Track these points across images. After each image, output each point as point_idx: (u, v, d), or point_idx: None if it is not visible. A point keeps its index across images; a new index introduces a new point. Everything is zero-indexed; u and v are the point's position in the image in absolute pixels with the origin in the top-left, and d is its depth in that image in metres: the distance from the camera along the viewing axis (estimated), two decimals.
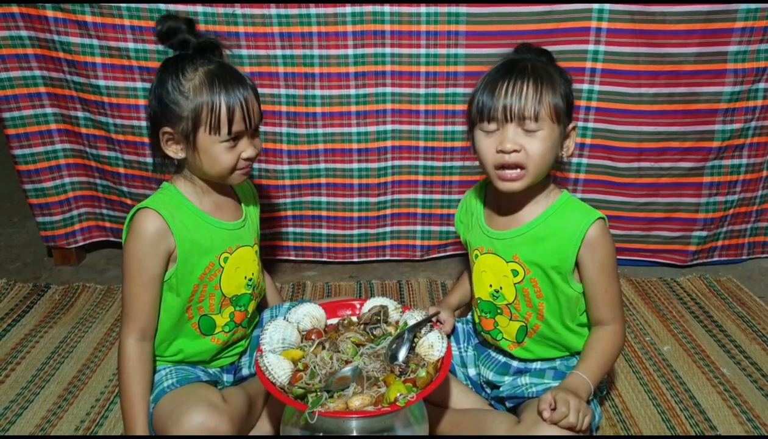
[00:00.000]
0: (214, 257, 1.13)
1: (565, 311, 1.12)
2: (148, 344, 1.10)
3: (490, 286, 1.16)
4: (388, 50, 1.58)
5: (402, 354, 1.02)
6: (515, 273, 1.12)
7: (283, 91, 1.62)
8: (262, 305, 1.35)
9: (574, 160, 1.69)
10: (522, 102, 1.04)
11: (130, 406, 1.06)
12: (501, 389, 1.18)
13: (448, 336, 1.20)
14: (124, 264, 1.09)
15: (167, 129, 1.09)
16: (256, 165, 1.71)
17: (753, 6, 1.51)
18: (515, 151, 1.04)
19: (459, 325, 1.31)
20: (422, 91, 1.63)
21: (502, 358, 1.21)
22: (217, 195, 1.17)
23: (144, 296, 1.08)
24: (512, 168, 1.06)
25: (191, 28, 1.09)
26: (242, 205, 1.24)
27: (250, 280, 1.19)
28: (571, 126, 1.10)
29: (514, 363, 1.19)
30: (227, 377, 1.23)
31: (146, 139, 1.67)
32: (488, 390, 1.24)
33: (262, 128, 1.66)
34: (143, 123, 1.65)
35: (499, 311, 1.17)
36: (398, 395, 0.92)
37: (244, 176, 1.15)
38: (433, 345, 1.04)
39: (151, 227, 1.07)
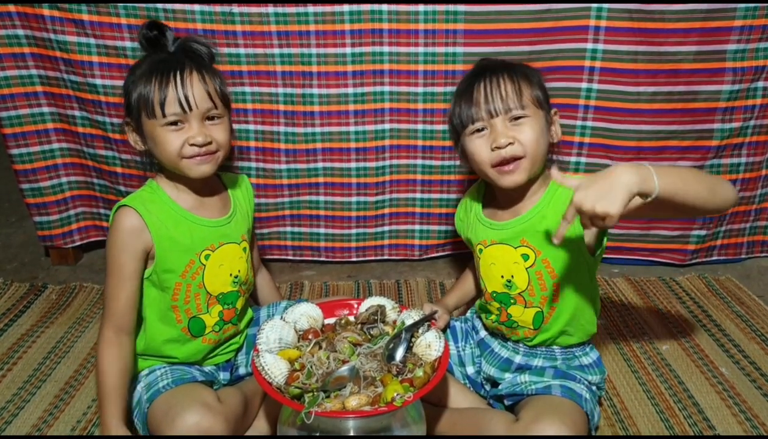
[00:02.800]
0: (194, 255, 1.13)
1: (580, 287, 1.12)
2: (126, 339, 1.09)
3: (502, 276, 1.15)
4: (386, 49, 1.58)
5: (399, 354, 1.02)
6: (525, 257, 1.12)
7: (280, 89, 1.62)
8: (256, 298, 1.35)
9: (573, 158, 1.68)
10: (503, 93, 1.06)
11: (103, 399, 1.04)
12: (500, 386, 1.17)
13: (443, 331, 1.20)
14: (106, 261, 1.10)
15: (127, 119, 1.12)
16: (253, 164, 1.71)
17: (752, 4, 1.50)
18: (510, 143, 1.06)
19: (457, 324, 1.31)
20: (420, 89, 1.62)
21: (504, 354, 1.21)
22: (201, 191, 1.16)
23: (121, 293, 1.08)
24: (510, 162, 1.07)
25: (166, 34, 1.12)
26: (232, 201, 1.22)
27: (236, 277, 1.18)
28: (552, 111, 1.13)
29: (516, 359, 1.19)
30: (223, 375, 1.22)
31: None
32: (487, 388, 1.23)
33: (259, 127, 1.66)
34: None
35: (512, 301, 1.16)
36: (395, 394, 0.92)
37: (200, 167, 1.09)
38: (430, 345, 1.04)
39: (127, 224, 1.08)
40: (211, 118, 1.10)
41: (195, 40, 1.14)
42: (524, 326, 1.17)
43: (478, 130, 1.08)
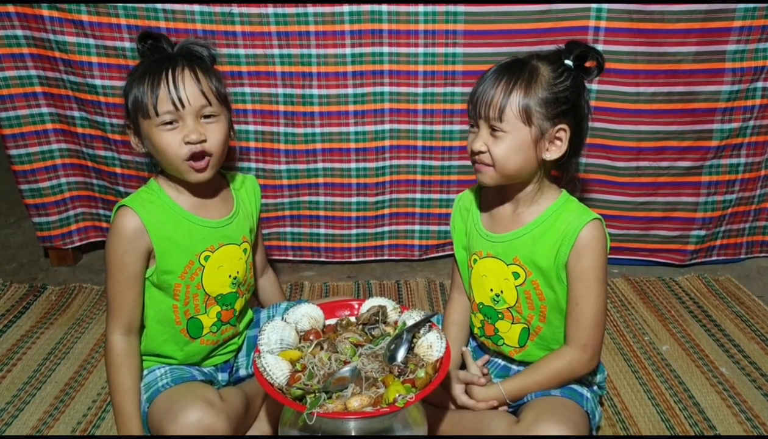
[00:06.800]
0: (194, 256, 1.12)
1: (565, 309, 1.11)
2: (134, 338, 1.11)
3: (491, 290, 1.15)
4: (386, 49, 1.58)
5: (401, 354, 1.02)
6: (516, 275, 1.11)
7: (280, 90, 1.62)
8: (261, 299, 1.34)
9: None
10: (489, 99, 1.03)
11: (122, 400, 1.07)
12: None
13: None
14: (106, 262, 1.10)
15: (127, 121, 1.11)
16: (252, 165, 1.70)
17: (751, 5, 1.50)
18: (481, 152, 1.06)
19: None
20: (420, 90, 1.62)
21: (501, 361, 1.21)
22: (202, 192, 1.15)
23: (126, 293, 1.09)
24: (480, 164, 1.08)
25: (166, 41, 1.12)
26: (235, 201, 1.21)
27: (234, 278, 1.18)
28: (555, 128, 1.03)
29: (514, 367, 1.19)
30: (222, 376, 1.22)
31: None
32: None
33: (259, 128, 1.66)
34: None
35: (500, 315, 1.15)
36: (397, 395, 0.91)
37: (198, 174, 1.08)
38: (431, 345, 1.03)
39: (128, 225, 1.08)
40: (207, 117, 1.09)
41: (195, 42, 1.13)
42: (510, 345, 1.16)
43: (471, 125, 1.09)
